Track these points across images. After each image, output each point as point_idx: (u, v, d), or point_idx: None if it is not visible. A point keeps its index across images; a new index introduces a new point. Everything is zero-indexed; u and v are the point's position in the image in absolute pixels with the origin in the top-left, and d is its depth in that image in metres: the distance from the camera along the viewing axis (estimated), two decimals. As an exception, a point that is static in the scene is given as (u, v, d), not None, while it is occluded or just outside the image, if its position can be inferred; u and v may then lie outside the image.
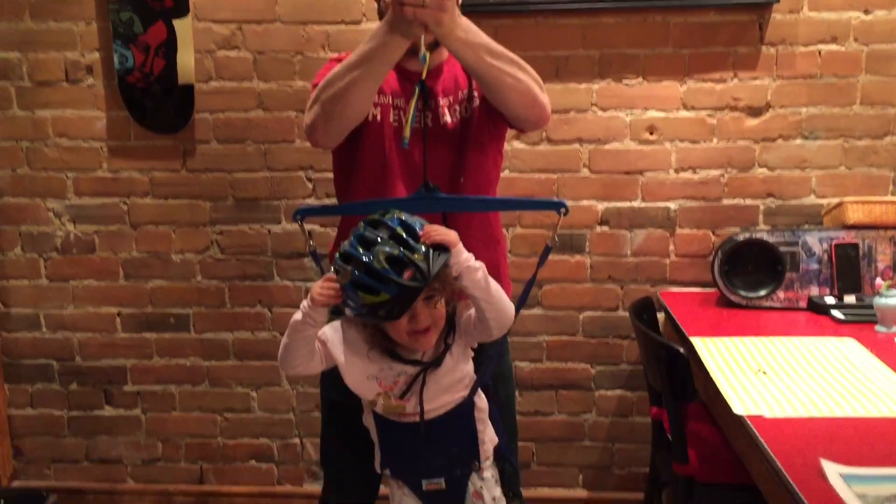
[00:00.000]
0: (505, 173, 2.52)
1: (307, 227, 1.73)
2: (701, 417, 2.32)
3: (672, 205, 2.55)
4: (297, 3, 2.50)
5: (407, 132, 1.63)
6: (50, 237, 2.67)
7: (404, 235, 1.48)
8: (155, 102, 2.55)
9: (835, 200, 2.45)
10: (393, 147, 1.78)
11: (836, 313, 2.23)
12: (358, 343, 1.59)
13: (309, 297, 1.53)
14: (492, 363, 1.90)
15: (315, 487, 2.61)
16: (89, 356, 2.73)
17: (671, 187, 2.54)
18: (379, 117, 1.76)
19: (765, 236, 2.33)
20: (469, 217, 1.86)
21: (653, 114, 2.51)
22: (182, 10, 2.50)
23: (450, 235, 1.53)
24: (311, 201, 2.61)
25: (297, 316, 1.56)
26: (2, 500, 1.25)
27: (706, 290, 2.53)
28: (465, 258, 1.55)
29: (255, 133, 2.58)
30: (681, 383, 2.02)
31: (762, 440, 1.55)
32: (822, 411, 1.66)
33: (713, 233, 2.56)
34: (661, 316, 2.52)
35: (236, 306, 2.68)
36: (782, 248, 2.31)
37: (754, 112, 2.49)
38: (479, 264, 1.57)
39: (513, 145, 2.53)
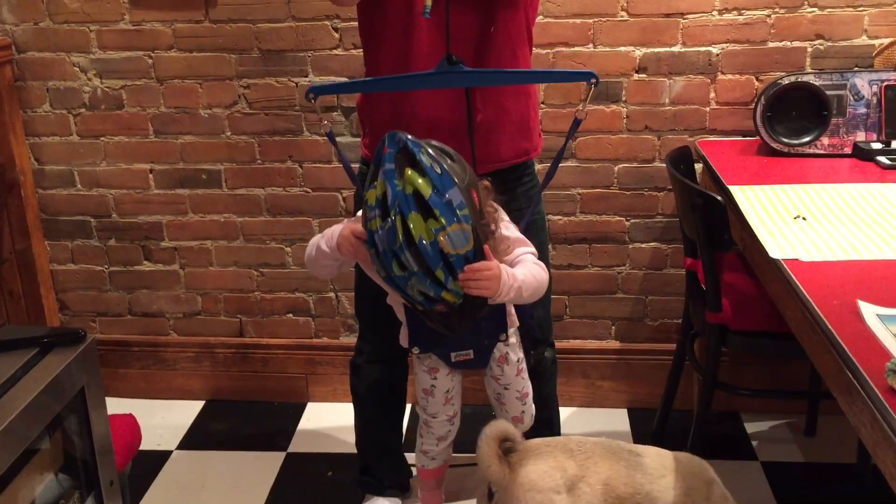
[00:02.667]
0: (539, 19, 2.41)
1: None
2: (736, 268, 2.30)
3: (714, 49, 2.44)
4: None
5: (428, 1, 1.53)
6: (77, 92, 2.65)
7: (441, 276, 1.47)
8: (173, -52, 2.46)
9: (887, 40, 2.31)
10: (423, 33, 1.69)
11: (881, 159, 2.15)
12: None
13: (335, 240, 1.59)
14: (524, 215, 1.88)
15: (351, 340, 2.66)
16: (125, 213, 2.76)
17: (714, 30, 2.42)
18: None
19: (811, 80, 2.22)
20: (497, 66, 1.79)
21: (697, -50, 2.36)
22: None
23: (490, 287, 1.52)
24: (338, 52, 2.53)
25: (323, 245, 1.65)
26: (43, 339, 1.28)
27: (747, 138, 2.45)
28: (506, 290, 1.55)
29: (278, -21, 2.49)
30: (717, 231, 1.99)
31: (798, 283, 1.52)
32: (860, 254, 1.62)
33: (757, 78, 2.45)
34: (699, 166, 2.46)
35: (266, 162, 2.67)
36: (829, 92, 2.21)
37: (806, -54, 2.33)
38: (519, 282, 1.58)
39: (547, -12, 2.41)
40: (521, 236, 1.74)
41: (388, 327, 1.86)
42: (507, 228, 1.72)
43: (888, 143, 2.20)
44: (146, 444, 1.97)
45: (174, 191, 2.73)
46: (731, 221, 1.97)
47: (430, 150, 1.48)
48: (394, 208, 1.42)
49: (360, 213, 1.62)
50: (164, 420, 2.77)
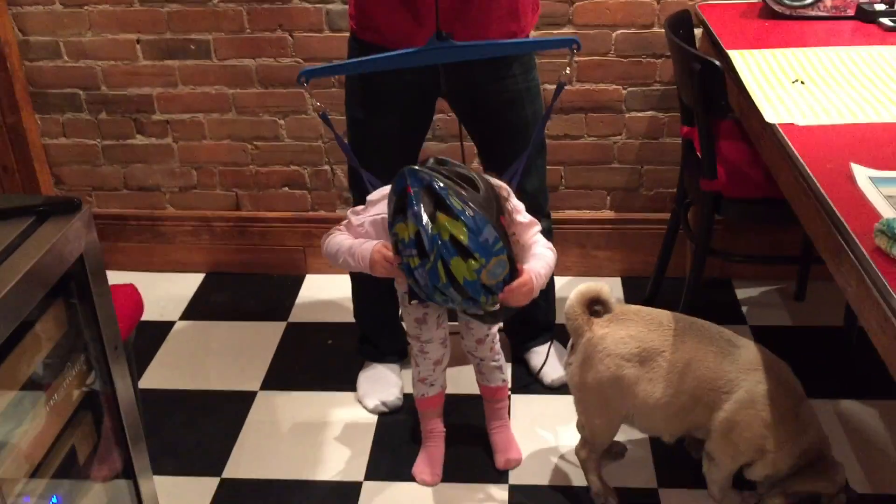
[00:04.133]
0: None
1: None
2: (732, 136, 2.29)
3: None
4: None
5: None
6: (57, -41, 2.55)
7: (484, 301, 1.55)
8: None
9: None
10: None
11: (884, 20, 2.10)
12: None
13: (367, 261, 1.65)
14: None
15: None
16: (114, 85, 2.71)
17: None
18: None
19: (817, -62, 2.14)
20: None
21: None
22: None
23: (528, 298, 1.60)
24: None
25: (350, 261, 1.69)
26: (39, 208, 1.29)
27: (749, 1, 2.38)
28: (536, 293, 1.62)
29: None
30: (714, 98, 1.97)
31: (792, 147, 1.52)
32: (856, 117, 1.61)
33: (762, -63, 2.36)
34: (698, 31, 2.40)
35: (256, 31, 2.60)
36: (835, -50, 2.13)
37: None
38: (543, 278, 1.63)
39: None
40: (529, 216, 1.74)
41: None
42: (519, 213, 1.72)
43: (892, 4, 2.14)
44: (149, 316, 2.01)
45: (163, 62, 2.67)
46: (728, 87, 1.95)
47: (456, 188, 1.50)
48: (433, 252, 1.47)
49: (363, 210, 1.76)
50: (165, 292, 2.82)
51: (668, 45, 2.25)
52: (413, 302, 1.78)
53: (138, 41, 2.65)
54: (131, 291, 1.72)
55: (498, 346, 1.99)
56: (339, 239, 1.75)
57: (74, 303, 1.37)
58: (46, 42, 2.66)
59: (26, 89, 2.71)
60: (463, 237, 1.47)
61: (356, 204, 2.09)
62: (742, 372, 1.72)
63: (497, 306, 1.59)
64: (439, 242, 1.47)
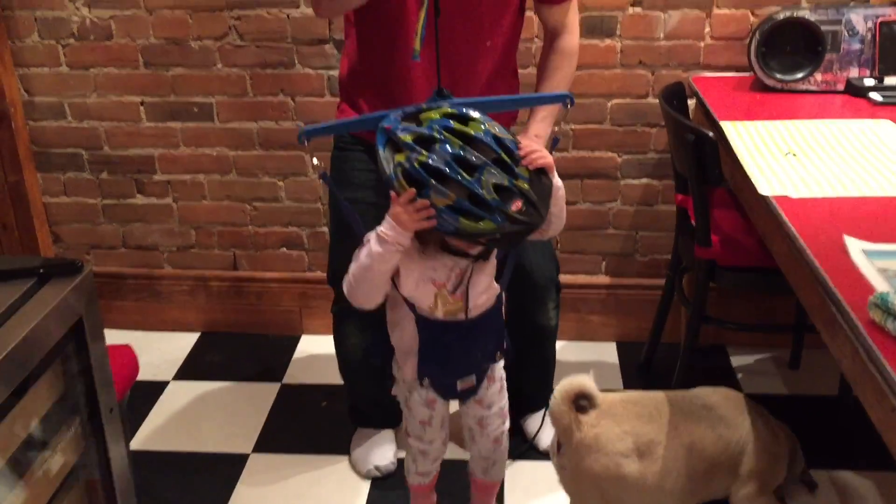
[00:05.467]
0: None
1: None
2: (726, 204, 2.32)
3: (710, -17, 2.41)
4: None
5: (417, 45, 1.44)
6: (66, 22, 2.60)
7: (507, 160, 1.40)
8: None
9: (886, -24, 2.30)
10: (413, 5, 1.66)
11: (874, 95, 2.15)
12: (410, 246, 1.49)
13: (391, 221, 1.41)
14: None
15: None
16: (117, 145, 2.75)
17: (711, -37, 2.39)
18: None
19: (806, 14, 2.21)
20: (490, 51, 1.79)
21: None
22: None
23: (548, 158, 1.47)
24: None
25: (376, 246, 1.44)
26: (40, 269, 1.30)
27: (741, 74, 2.44)
28: (558, 180, 1.50)
29: None
30: (708, 167, 2.00)
31: (786, 218, 1.54)
32: (848, 191, 1.64)
33: (752, 13, 2.42)
34: (692, 102, 2.45)
35: (258, 95, 2.65)
36: (824, 28, 2.19)
37: None
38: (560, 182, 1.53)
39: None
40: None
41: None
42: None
43: (881, 80, 2.19)
44: (143, 375, 2.00)
45: (166, 124, 2.71)
46: (722, 157, 1.98)
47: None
48: (434, 131, 1.40)
49: None
50: (160, 351, 2.81)
51: (662, 115, 2.29)
52: (424, 383, 1.68)
53: (142, 103, 2.69)
54: (127, 353, 1.72)
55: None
56: (351, 267, 1.55)
57: (72, 365, 1.37)
58: (51, 103, 2.70)
59: (29, 149, 2.74)
60: (451, 110, 1.44)
61: (337, 296, 2.02)
62: (736, 428, 1.80)
63: (528, 184, 1.42)
64: (436, 121, 1.41)
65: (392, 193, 1.41)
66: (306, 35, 2.55)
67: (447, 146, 1.38)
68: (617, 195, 2.67)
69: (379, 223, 1.85)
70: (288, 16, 2.55)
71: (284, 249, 2.84)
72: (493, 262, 1.61)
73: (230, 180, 2.76)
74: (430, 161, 1.37)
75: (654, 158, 2.62)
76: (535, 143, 1.53)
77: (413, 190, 1.38)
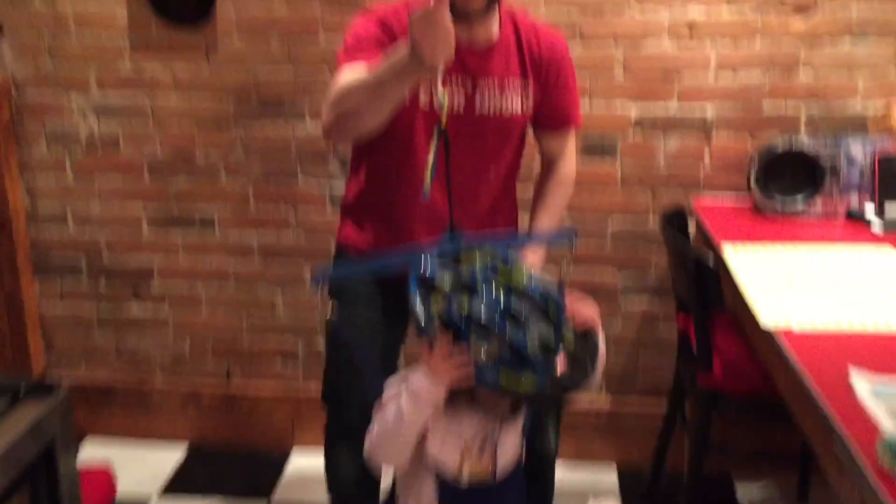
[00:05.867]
0: None
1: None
2: (728, 329, 2.27)
3: (710, 108, 2.44)
4: None
5: (428, 180, 1.43)
6: (74, 132, 2.65)
7: (554, 315, 1.30)
8: (175, -7, 2.48)
9: (882, 105, 2.32)
10: (421, 127, 1.68)
11: (874, 224, 2.14)
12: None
13: (426, 374, 1.29)
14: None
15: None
16: (117, 254, 2.74)
17: (709, 90, 2.43)
18: (408, 99, 1.62)
19: (805, 145, 2.22)
20: (493, 180, 1.80)
21: (694, 11, 2.37)
22: None
23: (597, 320, 1.41)
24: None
25: (407, 404, 1.32)
26: (15, 390, 1.25)
27: (741, 195, 2.44)
28: (603, 345, 1.42)
29: (278, 27, 2.50)
30: (708, 293, 1.97)
31: (789, 354, 1.50)
32: (853, 325, 1.60)
33: (751, 135, 2.45)
34: (692, 224, 2.45)
35: (260, 206, 2.66)
36: (823, 156, 2.20)
37: (801, 9, 2.34)
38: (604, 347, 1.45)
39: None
40: None
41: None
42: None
43: (881, 209, 2.19)
44: (126, 489, 1.93)
45: (166, 233, 2.71)
46: (723, 282, 1.96)
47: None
48: (477, 279, 1.31)
49: None
50: (145, 465, 2.71)
51: (664, 238, 2.28)
52: None
53: (144, 212, 2.70)
54: (104, 477, 1.65)
55: None
56: (375, 427, 1.42)
57: (40, 489, 1.31)
58: (54, 210, 2.71)
59: (28, 255, 2.74)
60: (496, 256, 1.35)
61: (330, 415, 1.94)
62: None
63: (574, 344, 1.34)
64: (481, 268, 1.32)
65: (425, 343, 1.29)
66: (310, 148, 2.58)
67: (491, 295, 1.28)
68: (617, 314, 2.64)
69: (378, 342, 1.81)
70: (293, 129, 2.58)
71: (280, 359, 2.79)
72: (521, 419, 1.49)
73: (228, 291, 2.74)
74: (473, 311, 1.27)
75: (654, 279, 2.59)
76: (581, 300, 1.43)
77: (452, 342, 1.27)
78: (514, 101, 1.74)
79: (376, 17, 1.68)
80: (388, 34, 1.65)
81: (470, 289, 1.29)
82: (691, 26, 2.38)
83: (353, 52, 1.62)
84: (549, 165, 1.93)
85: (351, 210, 1.88)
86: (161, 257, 2.73)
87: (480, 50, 1.68)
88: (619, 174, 2.52)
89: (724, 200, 2.45)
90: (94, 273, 2.76)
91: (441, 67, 1.36)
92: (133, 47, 2.56)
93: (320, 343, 2.74)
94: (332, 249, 2.45)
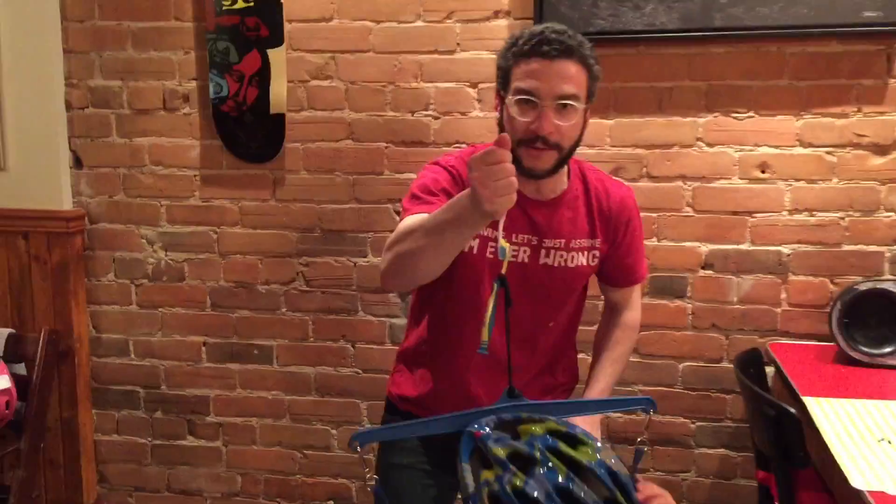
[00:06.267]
0: None
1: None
2: (814, 486, 2.09)
3: (785, 249, 2.34)
4: (391, 33, 2.45)
5: (486, 336, 1.32)
6: (142, 264, 2.69)
7: (623, 502, 1.14)
8: (247, 131, 2.54)
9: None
10: (486, 278, 1.62)
11: (974, 377, 1.97)
12: None
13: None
14: None
15: (392, 533, 2.49)
16: (174, 384, 2.72)
17: (784, 230, 2.34)
18: (475, 249, 1.60)
19: (890, 286, 2.10)
20: (553, 331, 1.72)
21: (765, 150, 2.32)
22: (277, 40, 2.49)
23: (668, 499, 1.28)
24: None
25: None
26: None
27: (822, 344, 2.30)
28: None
29: (343, 163, 2.53)
30: (792, 447, 1.82)
31: (886, 523, 1.34)
32: (959, 493, 1.44)
33: (831, 281, 2.33)
34: (770, 370, 2.30)
35: (319, 340, 2.62)
36: (911, 301, 2.07)
37: (880, 150, 2.27)
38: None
39: (611, 181, 2.39)
40: None
41: None
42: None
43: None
44: None
45: (224, 365, 2.69)
46: (807, 437, 1.80)
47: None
48: (535, 450, 1.16)
49: None
50: None
51: (739, 385, 2.14)
52: None
53: (204, 344, 2.69)
54: None
55: None
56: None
57: None
58: (117, 340, 2.73)
59: (88, 385, 2.74)
60: (558, 427, 1.18)
61: None
62: None
63: None
64: (537, 438, 1.16)
65: None
66: (372, 282, 2.56)
67: (550, 473, 1.14)
68: (691, 465, 2.47)
69: (429, 493, 1.70)
70: (355, 264, 2.57)
71: (332, 503, 2.68)
72: None
73: (282, 425, 2.68)
74: (527, 488, 1.13)
75: (731, 427, 2.43)
76: (656, 488, 1.25)
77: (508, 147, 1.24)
78: (581, 257, 1.68)
79: (445, 166, 1.64)
80: (457, 185, 1.60)
81: (527, 462, 1.15)
82: (763, 166, 2.32)
83: (419, 200, 1.57)
84: (613, 314, 1.85)
85: (406, 358, 1.80)
86: (218, 389, 2.70)
87: (547, 201, 1.64)
88: (689, 316, 2.42)
89: (803, 347, 2.31)
90: (151, 404, 2.74)
91: (503, 216, 1.28)
92: (203, 182, 2.62)
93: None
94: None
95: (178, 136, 2.62)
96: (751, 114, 2.32)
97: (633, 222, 1.73)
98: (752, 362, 2.19)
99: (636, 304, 1.86)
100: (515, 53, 1.53)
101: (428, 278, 1.51)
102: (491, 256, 1.60)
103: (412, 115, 2.48)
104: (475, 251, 1.60)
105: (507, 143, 1.24)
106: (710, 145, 2.35)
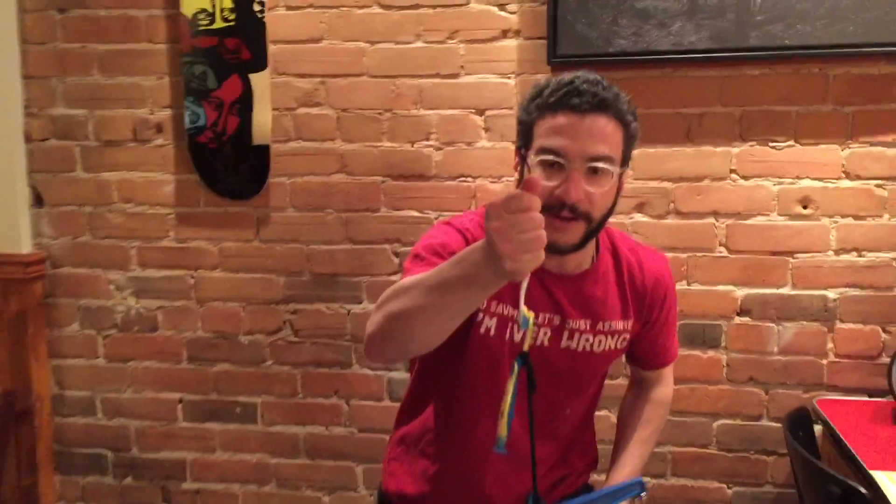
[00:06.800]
0: None
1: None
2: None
3: (831, 293, 2.10)
4: (387, 55, 2.21)
5: (503, 430, 1.10)
6: (110, 312, 2.42)
7: None
8: (227, 165, 2.28)
9: None
10: (507, 372, 1.32)
11: None
12: None
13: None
14: None
15: None
16: (147, 447, 2.44)
17: (830, 272, 2.09)
18: (493, 330, 1.35)
19: (960, 339, 1.85)
20: (569, 417, 1.48)
21: (807, 183, 2.08)
22: (260, 63, 2.23)
23: None
24: (398, 278, 2.27)
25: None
26: None
27: (875, 399, 2.06)
28: None
29: (336, 200, 2.28)
30: (863, 534, 1.56)
31: None
32: None
33: (883, 329, 2.09)
34: (818, 429, 2.05)
35: (309, 396, 2.35)
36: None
37: (937, 181, 2.04)
38: None
39: (634, 218, 2.15)
40: None
41: None
42: None
43: None
44: None
45: (203, 424, 2.41)
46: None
47: None
48: None
49: None
50: None
51: (789, 451, 1.89)
52: None
53: (180, 401, 2.42)
54: None
55: None
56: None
57: None
58: (82, 397, 2.45)
59: (50, 448, 2.46)
60: None
61: None
62: None
63: None
64: None
65: None
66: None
67: None
68: (727, 536, 2.20)
69: None
70: (349, 311, 2.31)
71: (325, 579, 2.40)
72: None
73: (268, 492, 2.41)
74: None
75: (772, 493, 2.18)
76: None
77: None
78: (608, 341, 1.43)
79: (459, 228, 1.37)
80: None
81: None
82: (805, 201, 2.08)
83: (423, 262, 1.30)
84: (641, 385, 1.60)
85: (406, 445, 1.52)
86: (196, 451, 2.42)
87: (572, 276, 1.39)
88: (724, 368, 2.17)
89: (855, 404, 2.06)
90: (120, 469, 2.46)
91: (526, 278, 1.02)
92: (179, 221, 2.36)
93: (372, 557, 2.36)
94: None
95: (150, 171, 2.36)
96: (791, 143, 2.08)
97: (669, 300, 1.49)
98: (800, 423, 1.94)
99: (668, 379, 1.62)
100: (540, 106, 1.29)
101: (423, 348, 1.23)
102: (515, 340, 1.35)
103: (412, 146, 2.23)
104: (492, 333, 1.35)
105: (538, 187, 0.99)
106: (745, 178, 2.11)
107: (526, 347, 1.08)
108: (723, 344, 2.16)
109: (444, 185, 2.22)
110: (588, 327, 1.39)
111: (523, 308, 1.04)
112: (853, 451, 1.77)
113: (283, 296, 2.34)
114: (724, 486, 2.20)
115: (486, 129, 2.20)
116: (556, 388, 1.40)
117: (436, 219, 2.24)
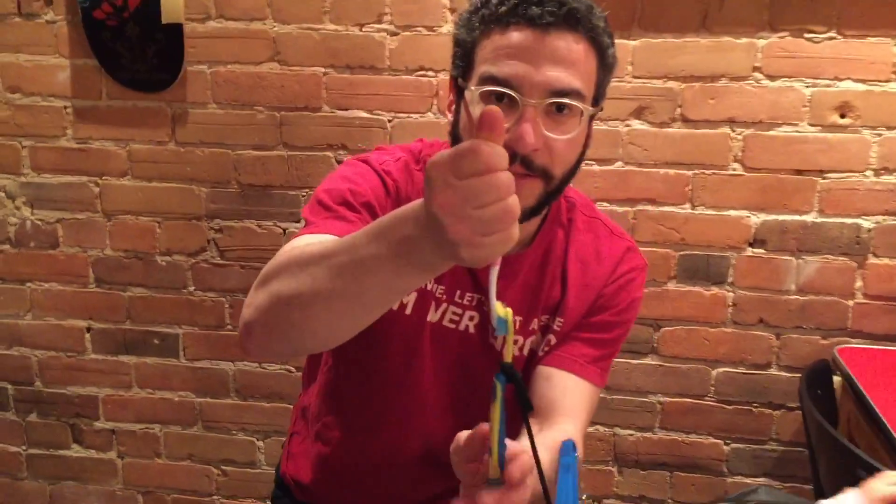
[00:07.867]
0: (619, 165, 1.79)
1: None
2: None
3: (866, 222, 1.76)
4: (330, -90, 1.77)
5: (495, 472, 0.72)
6: (2, 224, 2.05)
7: None
8: (131, 47, 1.88)
9: None
10: (428, 363, 1.05)
11: None
12: None
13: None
14: None
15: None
16: (52, 381, 2.15)
17: (866, 197, 1.76)
18: (409, 307, 1.02)
19: None
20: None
21: (848, 86, 1.72)
22: (169, -83, 1.79)
23: None
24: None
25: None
26: None
27: (902, 348, 1.75)
28: None
29: (267, 95, 1.91)
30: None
31: None
32: None
33: (924, 265, 1.76)
34: (837, 380, 1.75)
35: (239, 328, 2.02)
36: None
37: None
38: None
39: (631, 126, 1.78)
40: None
41: None
42: None
43: None
44: None
45: (116, 357, 2.12)
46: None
47: None
48: None
49: None
50: None
51: (803, 413, 1.58)
52: None
53: (88, 329, 2.10)
54: None
55: None
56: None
57: None
58: (-28, 324, 2.11)
59: (-64, 381, 2.13)
60: None
61: None
62: None
63: None
64: None
65: None
66: (307, 255, 1.94)
67: None
68: (722, 497, 1.94)
69: None
70: (284, 230, 1.96)
71: (260, 529, 2.14)
72: None
73: (194, 434, 2.14)
74: None
75: (776, 451, 1.89)
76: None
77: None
78: (534, 341, 1.07)
79: (378, 170, 1.01)
80: (393, 204, 0.99)
81: None
82: (844, 108, 1.71)
83: (329, 213, 0.95)
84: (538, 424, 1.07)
85: (307, 420, 1.22)
86: (109, 387, 2.13)
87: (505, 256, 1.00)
88: (729, 308, 1.84)
89: (884, 353, 1.76)
90: (23, 404, 2.18)
91: (496, 266, 0.68)
92: (78, 117, 1.96)
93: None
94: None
95: (39, 53, 1.96)
96: (832, 34, 1.70)
97: (628, 313, 1.08)
98: (818, 378, 1.63)
99: (577, 424, 1.06)
100: (486, 17, 0.91)
101: (327, 345, 0.90)
102: (433, 321, 1.04)
103: (360, 30, 1.84)
104: (408, 311, 1.02)
105: (500, 125, 0.61)
106: (771, 78, 1.74)
107: (508, 358, 0.71)
108: (730, 279, 1.83)
109: (400, 80, 1.85)
110: (518, 325, 1.04)
111: (497, 305, 0.68)
112: (877, 409, 1.48)
113: (207, 210, 1.99)
114: (721, 441, 1.92)
115: (453, 10, 1.80)
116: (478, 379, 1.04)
117: (389, 121, 1.86)
